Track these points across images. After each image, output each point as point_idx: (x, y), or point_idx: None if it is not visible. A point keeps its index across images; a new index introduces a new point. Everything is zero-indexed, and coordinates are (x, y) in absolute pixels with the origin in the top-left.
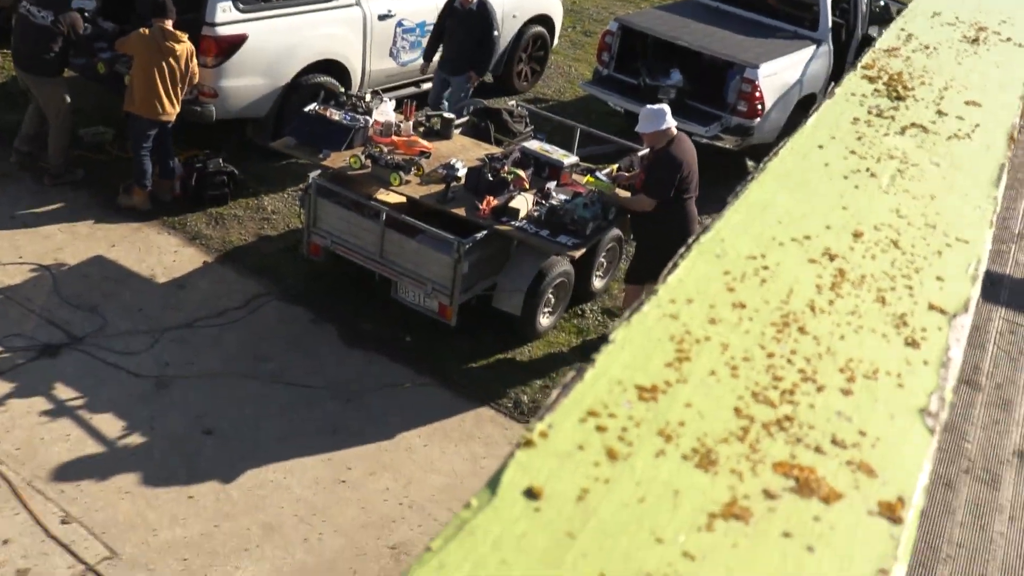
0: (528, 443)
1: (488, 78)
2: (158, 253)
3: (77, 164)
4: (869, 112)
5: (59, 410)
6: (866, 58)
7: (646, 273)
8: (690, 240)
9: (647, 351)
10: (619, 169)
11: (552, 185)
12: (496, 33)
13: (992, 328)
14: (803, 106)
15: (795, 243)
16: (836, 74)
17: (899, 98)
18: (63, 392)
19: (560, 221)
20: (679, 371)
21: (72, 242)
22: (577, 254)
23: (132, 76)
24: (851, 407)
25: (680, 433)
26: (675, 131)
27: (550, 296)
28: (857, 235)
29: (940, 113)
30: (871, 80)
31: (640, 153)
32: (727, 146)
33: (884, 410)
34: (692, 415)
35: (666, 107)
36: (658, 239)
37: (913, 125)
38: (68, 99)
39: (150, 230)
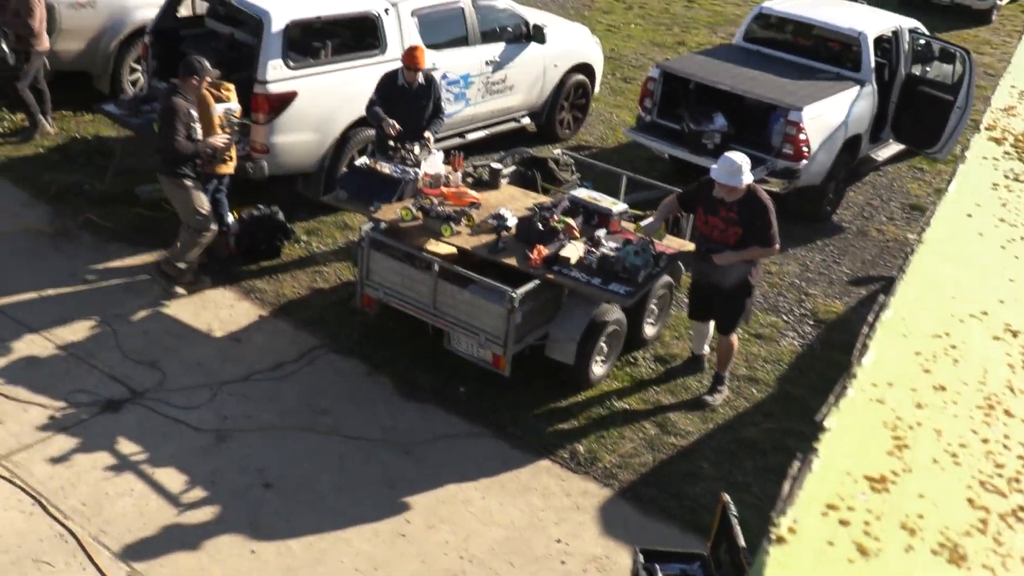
0: (779, 539)
1: (531, 127)
2: (214, 308)
3: (139, 224)
4: (1005, 176)
5: (123, 465)
6: (986, 119)
7: (717, 312)
8: (870, 318)
9: (864, 439)
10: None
11: (602, 233)
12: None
13: None
14: (849, 147)
15: (975, 320)
16: (880, 114)
17: None
18: (126, 447)
19: (611, 269)
20: (902, 459)
21: (132, 298)
22: (629, 302)
23: None
24: None
25: (922, 526)
26: None
27: (603, 344)
28: None
29: None
30: (998, 142)
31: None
32: (774, 189)
33: None
34: (928, 507)
35: (744, 157)
36: (725, 276)
37: None
38: (204, 204)
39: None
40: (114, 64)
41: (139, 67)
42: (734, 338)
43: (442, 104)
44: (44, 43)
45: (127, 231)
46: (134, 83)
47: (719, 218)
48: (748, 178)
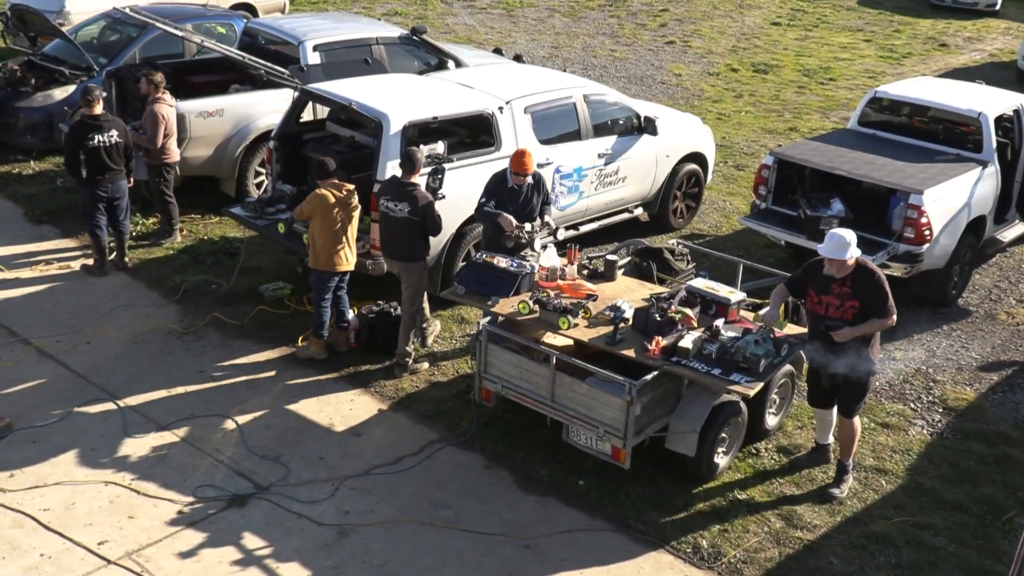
0: None
1: (645, 217)
2: (335, 402)
3: (263, 322)
4: None
5: (248, 559)
6: None
7: (838, 395)
8: None
9: None
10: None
11: (720, 322)
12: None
13: None
14: (973, 229)
15: None
16: (1005, 195)
17: None
18: (251, 541)
19: (731, 359)
20: None
21: (256, 394)
22: (751, 392)
23: (312, 233)
24: None
25: None
26: None
27: (724, 435)
28: None
29: None
30: None
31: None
32: (896, 274)
33: None
34: None
35: (851, 232)
36: (844, 356)
37: None
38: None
39: (328, 379)
40: (240, 168)
41: (263, 171)
42: (857, 422)
43: (551, 197)
44: (174, 155)
45: (251, 328)
46: (258, 186)
47: (833, 296)
48: (856, 252)
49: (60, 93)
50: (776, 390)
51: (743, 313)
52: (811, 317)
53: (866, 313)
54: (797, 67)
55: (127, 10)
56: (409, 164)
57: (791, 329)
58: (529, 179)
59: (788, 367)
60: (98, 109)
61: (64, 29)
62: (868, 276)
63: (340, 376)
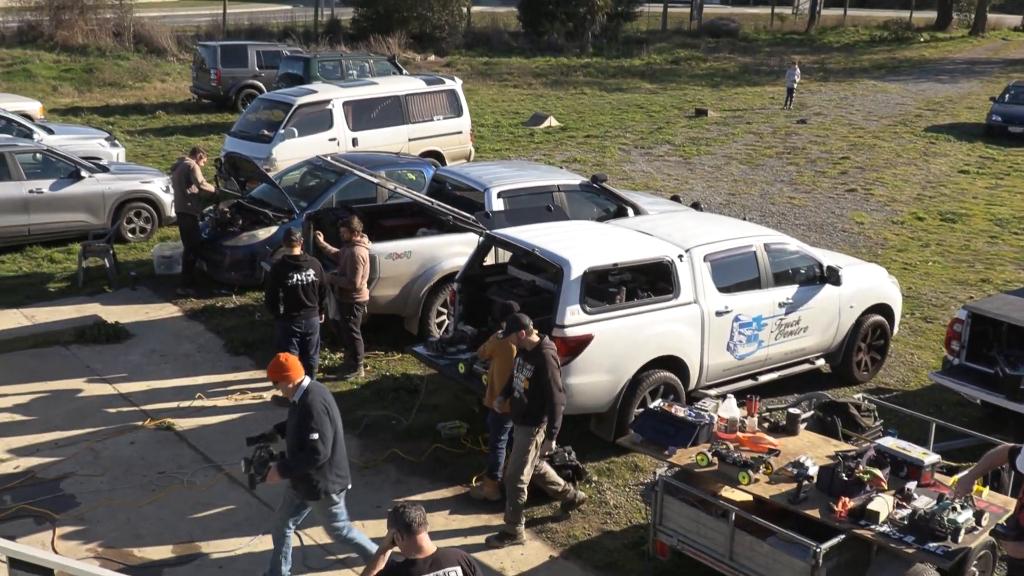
0: None
1: (826, 368)
2: (507, 545)
3: (439, 460)
4: None
5: None
6: None
7: None
8: None
9: None
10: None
11: (912, 486)
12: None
13: None
14: None
15: None
16: None
17: None
18: None
19: (926, 526)
20: None
21: (432, 534)
22: (948, 564)
23: (491, 374)
24: None
25: None
26: None
27: None
28: None
29: None
30: None
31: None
32: None
33: None
34: None
35: None
36: None
37: None
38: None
39: (499, 521)
40: (423, 308)
41: (446, 311)
42: None
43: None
44: (364, 294)
45: (428, 466)
46: (440, 326)
47: None
48: None
49: (264, 233)
50: (975, 562)
51: (938, 477)
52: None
53: None
54: (988, 216)
55: (328, 158)
56: (515, 324)
57: (993, 498)
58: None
59: (988, 538)
60: (298, 250)
61: (270, 174)
62: None
63: None
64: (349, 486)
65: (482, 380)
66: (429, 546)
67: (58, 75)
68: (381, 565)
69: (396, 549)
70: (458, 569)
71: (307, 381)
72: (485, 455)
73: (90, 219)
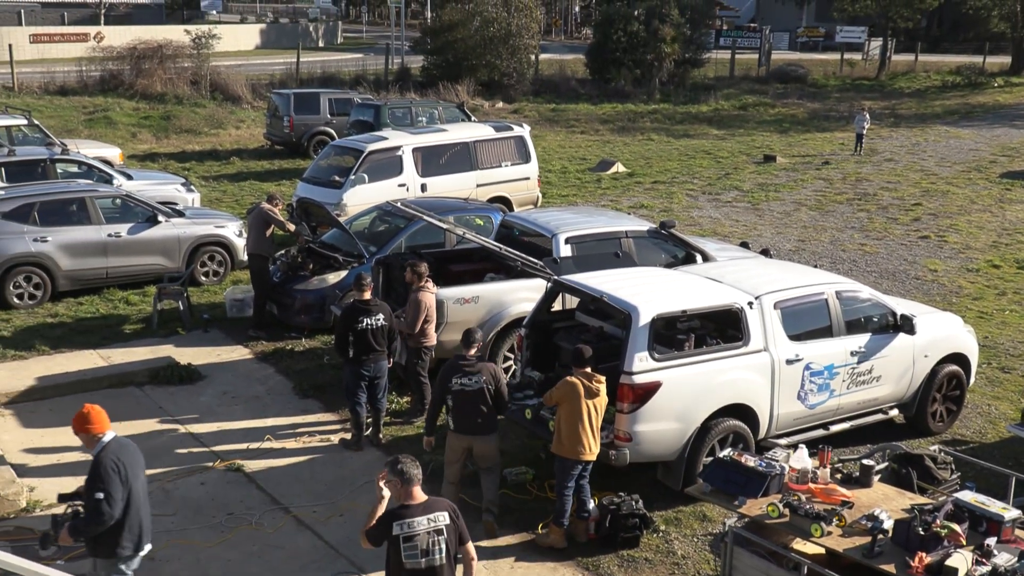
0: None
1: (900, 419)
2: None
3: (505, 505)
4: None
5: None
6: None
7: None
8: None
9: None
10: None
11: (992, 542)
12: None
13: None
14: None
15: None
16: None
17: None
18: None
19: None
20: None
21: None
22: None
23: (558, 420)
24: None
25: None
26: None
27: None
28: None
29: None
30: None
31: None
32: None
33: None
34: None
35: None
36: None
37: None
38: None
39: (565, 570)
40: (489, 353)
41: (512, 356)
42: None
43: None
44: (431, 339)
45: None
46: (507, 371)
47: None
48: None
49: (333, 278)
50: None
51: (1018, 532)
52: None
53: None
54: None
55: (397, 204)
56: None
57: None
58: None
59: None
60: (368, 294)
61: (341, 220)
62: None
63: (578, 566)
64: (144, 551)
65: (549, 426)
66: (422, 495)
67: (137, 122)
68: (382, 510)
69: (386, 496)
70: (446, 514)
71: (108, 436)
72: (551, 501)
73: (165, 263)
